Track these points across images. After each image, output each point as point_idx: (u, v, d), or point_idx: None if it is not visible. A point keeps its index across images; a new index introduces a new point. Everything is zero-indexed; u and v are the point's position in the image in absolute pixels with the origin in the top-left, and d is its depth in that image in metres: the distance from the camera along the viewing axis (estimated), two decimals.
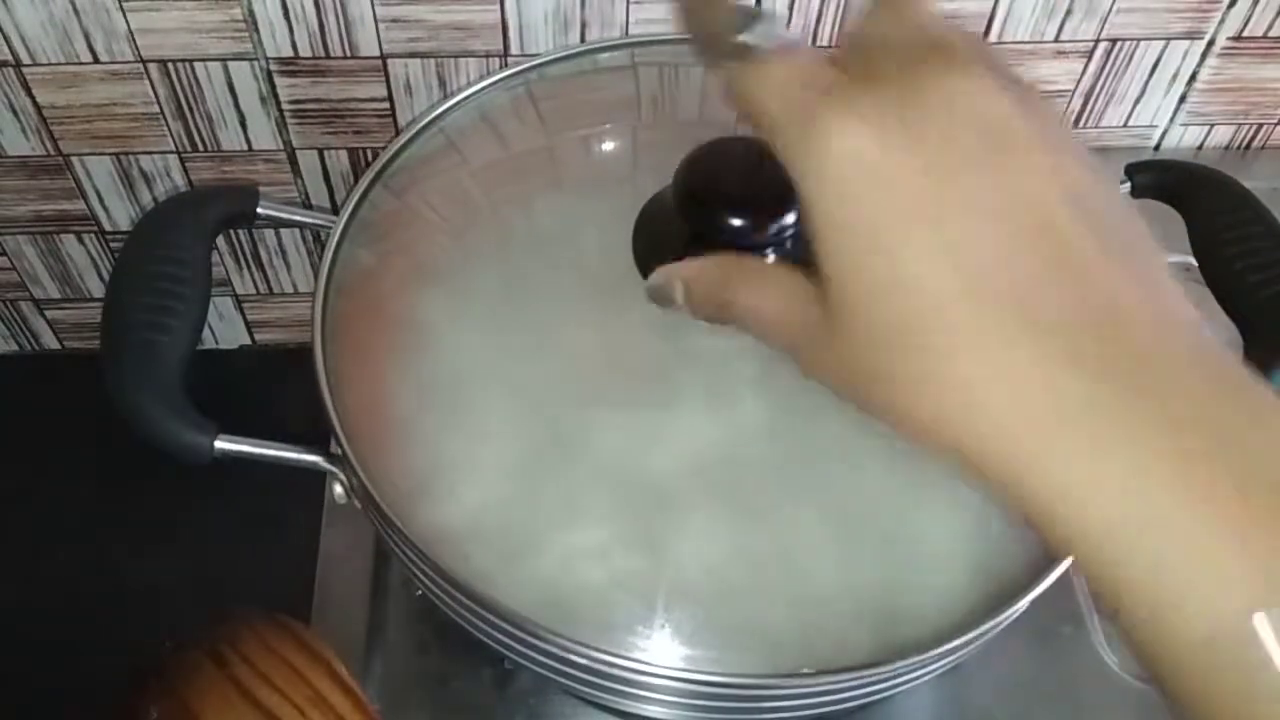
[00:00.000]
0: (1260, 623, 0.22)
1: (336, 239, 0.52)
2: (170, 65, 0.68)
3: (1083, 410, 0.25)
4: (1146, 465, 0.24)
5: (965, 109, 0.27)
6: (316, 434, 0.46)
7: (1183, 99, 0.75)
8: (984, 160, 0.26)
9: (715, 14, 0.30)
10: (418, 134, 0.56)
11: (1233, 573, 0.23)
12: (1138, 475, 0.24)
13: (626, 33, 0.68)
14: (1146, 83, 0.74)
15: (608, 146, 0.64)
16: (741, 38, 0.29)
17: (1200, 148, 0.79)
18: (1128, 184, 0.56)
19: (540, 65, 0.60)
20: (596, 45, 0.63)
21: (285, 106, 0.71)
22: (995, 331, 0.25)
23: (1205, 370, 0.25)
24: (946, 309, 0.26)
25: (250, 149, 0.73)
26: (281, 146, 0.73)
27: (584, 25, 0.67)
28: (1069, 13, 0.69)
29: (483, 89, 0.58)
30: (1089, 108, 0.75)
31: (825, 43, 0.69)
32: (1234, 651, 0.23)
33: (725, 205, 0.45)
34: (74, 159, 0.73)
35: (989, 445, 0.26)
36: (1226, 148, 0.79)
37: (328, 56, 0.68)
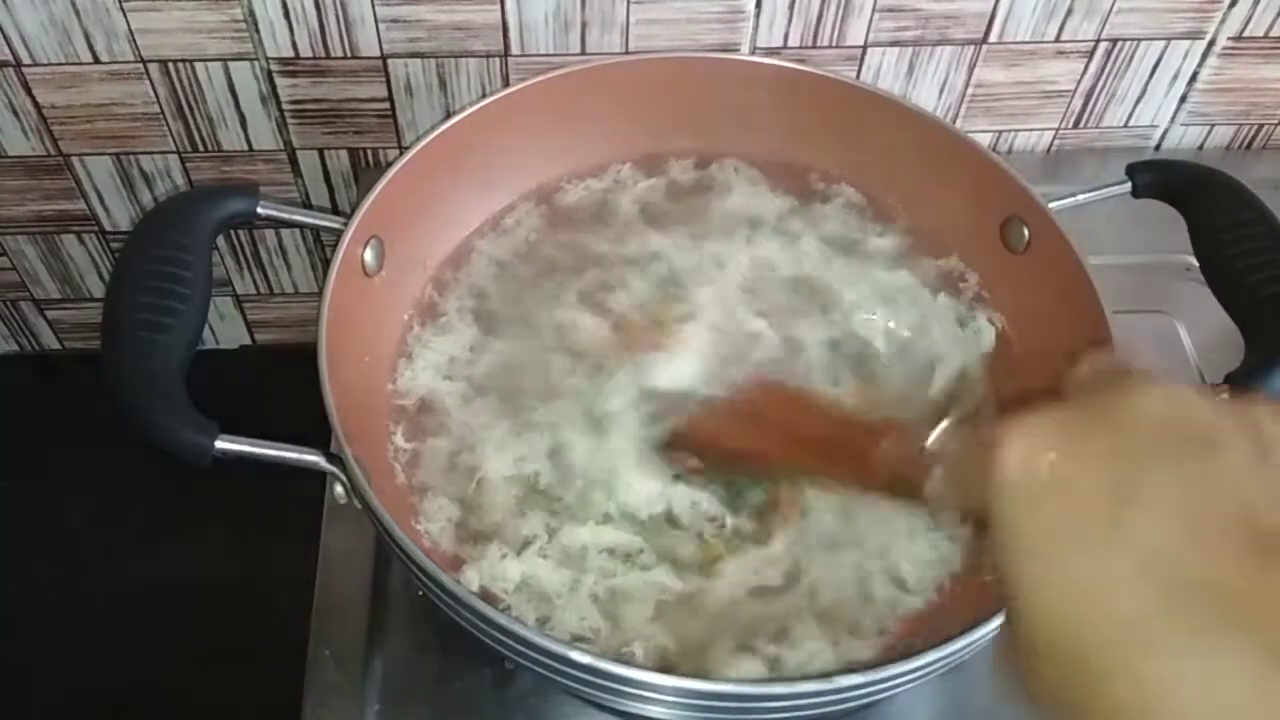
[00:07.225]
0: None
1: (346, 242, 0.52)
2: (170, 65, 0.68)
3: None
4: None
5: (1156, 417, 0.26)
6: (316, 434, 0.46)
7: (1183, 99, 0.75)
8: (1179, 465, 0.25)
9: None
10: (425, 136, 0.56)
11: None
12: None
13: (627, 33, 0.68)
14: (1147, 83, 0.74)
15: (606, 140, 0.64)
16: None
17: (1201, 148, 0.79)
18: (1128, 184, 0.56)
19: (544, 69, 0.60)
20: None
21: (285, 106, 0.71)
22: (1195, 640, 0.24)
23: None
24: (1136, 625, 0.24)
25: (250, 149, 0.73)
26: (281, 146, 0.73)
27: (584, 25, 0.67)
28: (1069, 13, 0.69)
29: (497, 99, 0.58)
30: (1089, 108, 0.75)
31: (825, 43, 0.69)
32: None
33: None
34: (74, 159, 0.73)
35: None
36: (1227, 148, 0.79)
37: (328, 56, 0.68)
